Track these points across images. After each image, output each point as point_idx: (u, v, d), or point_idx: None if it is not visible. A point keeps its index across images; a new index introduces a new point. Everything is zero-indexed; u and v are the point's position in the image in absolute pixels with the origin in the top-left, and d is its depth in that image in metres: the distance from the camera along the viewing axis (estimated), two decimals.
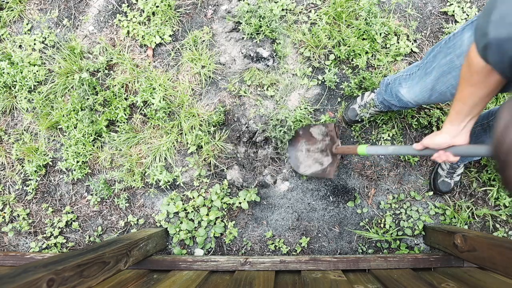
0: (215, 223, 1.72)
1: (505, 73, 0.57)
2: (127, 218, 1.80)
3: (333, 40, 1.72)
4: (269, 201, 1.74)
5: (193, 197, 1.73)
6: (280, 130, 1.65)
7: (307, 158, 1.65)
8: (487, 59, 0.59)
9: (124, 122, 1.79)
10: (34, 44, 1.88)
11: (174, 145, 1.77)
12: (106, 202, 1.83)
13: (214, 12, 1.85)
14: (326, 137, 1.60)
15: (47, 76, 1.87)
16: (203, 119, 1.74)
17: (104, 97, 1.79)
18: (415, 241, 1.69)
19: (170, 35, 1.82)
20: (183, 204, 1.72)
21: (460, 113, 0.83)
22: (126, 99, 1.80)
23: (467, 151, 0.93)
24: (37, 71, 1.85)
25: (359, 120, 1.66)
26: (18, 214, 1.86)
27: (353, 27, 1.72)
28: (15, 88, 1.85)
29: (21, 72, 1.83)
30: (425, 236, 1.68)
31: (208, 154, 1.72)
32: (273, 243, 1.70)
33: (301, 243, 1.69)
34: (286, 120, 1.67)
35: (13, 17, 1.94)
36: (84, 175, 1.82)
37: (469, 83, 0.73)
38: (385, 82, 1.43)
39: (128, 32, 1.84)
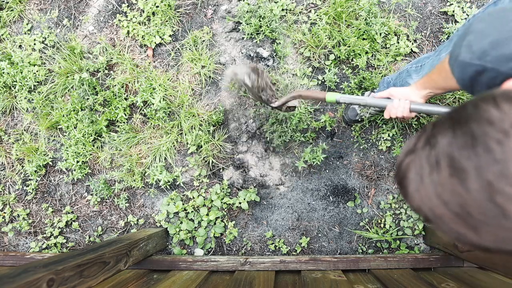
0: (215, 223, 1.72)
1: (463, 87, 0.72)
2: (127, 218, 1.80)
3: (333, 40, 1.72)
4: (269, 201, 1.75)
5: (193, 197, 1.73)
6: (278, 128, 1.65)
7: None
8: (453, 73, 0.73)
9: (124, 122, 1.79)
10: (34, 44, 1.88)
11: (174, 145, 1.77)
12: (106, 202, 1.83)
13: (214, 12, 1.85)
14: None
15: (47, 76, 1.87)
16: (203, 119, 1.74)
17: (104, 97, 1.79)
18: (415, 241, 1.69)
19: (170, 35, 1.82)
20: (183, 204, 1.72)
21: (427, 85, 1.02)
22: (126, 99, 1.80)
23: (425, 108, 1.07)
24: (37, 71, 1.85)
25: (359, 120, 1.66)
26: (18, 214, 1.86)
27: (353, 27, 1.72)
28: (15, 88, 1.85)
29: (21, 72, 1.83)
30: (425, 236, 1.68)
31: (207, 154, 1.72)
32: (273, 243, 1.70)
33: (301, 243, 1.69)
34: (286, 119, 1.67)
35: (13, 17, 1.94)
36: (84, 175, 1.82)
37: (439, 75, 0.91)
38: (386, 80, 1.43)
39: (128, 32, 1.84)
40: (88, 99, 1.78)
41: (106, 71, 1.84)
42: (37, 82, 1.86)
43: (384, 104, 1.13)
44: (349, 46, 1.69)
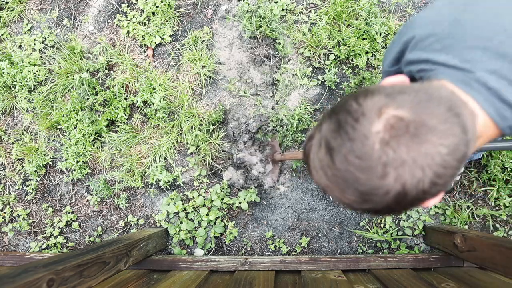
0: (215, 223, 1.72)
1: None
2: (127, 218, 1.80)
3: (333, 40, 1.72)
4: (269, 201, 1.75)
5: (193, 197, 1.73)
6: (276, 129, 1.65)
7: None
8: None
9: (124, 122, 1.79)
10: (34, 44, 1.88)
11: (174, 145, 1.77)
12: (106, 202, 1.83)
13: (214, 12, 1.85)
14: (266, 147, 1.74)
15: (47, 76, 1.87)
16: (203, 119, 1.74)
17: (104, 97, 1.79)
18: (415, 241, 1.69)
19: (170, 35, 1.82)
20: (183, 204, 1.72)
21: None
22: (126, 99, 1.80)
23: None
24: (37, 71, 1.85)
25: None
26: (18, 214, 1.86)
27: (353, 27, 1.72)
28: (15, 88, 1.85)
29: (21, 72, 1.83)
30: (425, 236, 1.68)
31: (205, 153, 1.72)
32: (273, 243, 1.70)
33: (301, 243, 1.69)
34: (285, 119, 1.67)
35: (13, 17, 1.94)
36: (84, 175, 1.82)
37: None
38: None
39: (128, 32, 1.84)
40: (88, 99, 1.78)
41: (106, 71, 1.84)
42: (37, 82, 1.86)
43: None
44: (349, 46, 1.69)
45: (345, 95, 0.58)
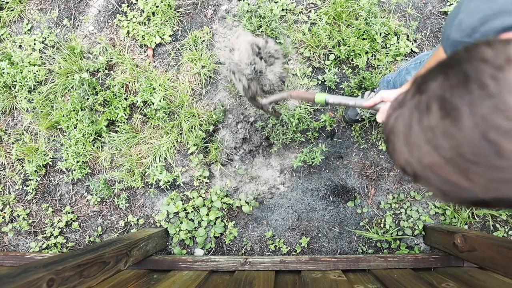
0: (215, 223, 1.72)
1: None
2: (127, 218, 1.80)
3: (333, 40, 1.71)
4: (269, 201, 1.75)
5: (193, 197, 1.73)
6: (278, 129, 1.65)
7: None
8: (446, 53, 0.73)
9: (124, 122, 1.79)
10: (34, 44, 1.88)
11: (174, 145, 1.77)
12: (106, 202, 1.83)
13: (214, 12, 1.85)
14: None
15: (47, 76, 1.87)
16: (203, 119, 1.74)
17: (104, 97, 1.79)
18: (415, 241, 1.69)
19: (170, 35, 1.82)
20: (183, 204, 1.72)
21: None
22: (126, 99, 1.79)
23: None
24: (37, 71, 1.85)
25: (359, 119, 1.66)
26: (18, 214, 1.86)
27: (353, 27, 1.72)
28: (15, 88, 1.85)
29: (21, 72, 1.83)
30: (425, 236, 1.68)
31: (215, 159, 1.72)
32: (273, 243, 1.70)
33: (301, 243, 1.69)
34: (285, 119, 1.67)
35: (13, 17, 1.94)
36: (84, 175, 1.82)
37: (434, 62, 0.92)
38: (386, 79, 1.43)
39: (128, 32, 1.84)
40: (88, 99, 1.78)
41: (106, 71, 1.84)
42: (37, 82, 1.86)
43: (377, 106, 0.98)
44: (349, 46, 1.69)
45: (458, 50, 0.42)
